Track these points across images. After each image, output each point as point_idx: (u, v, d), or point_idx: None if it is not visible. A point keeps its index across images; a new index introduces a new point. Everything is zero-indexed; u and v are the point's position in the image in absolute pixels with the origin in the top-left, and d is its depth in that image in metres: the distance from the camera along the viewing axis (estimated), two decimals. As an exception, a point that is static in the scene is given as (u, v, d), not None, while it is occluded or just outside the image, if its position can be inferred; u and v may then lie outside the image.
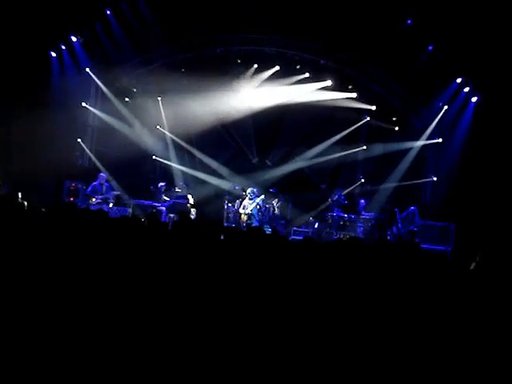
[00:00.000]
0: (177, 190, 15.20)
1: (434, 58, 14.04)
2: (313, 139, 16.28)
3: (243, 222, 13.89)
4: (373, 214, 14.51)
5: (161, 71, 15.47)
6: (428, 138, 15.61)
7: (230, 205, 14.67)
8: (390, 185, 15.50)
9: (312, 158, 16.19)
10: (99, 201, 13.48)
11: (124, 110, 15.77)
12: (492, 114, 13.74)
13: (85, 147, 15.50)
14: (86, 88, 15.40)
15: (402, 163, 15.57)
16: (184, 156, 16.55)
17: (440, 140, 15.50)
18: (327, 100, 15.61)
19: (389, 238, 13.88)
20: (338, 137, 16.19)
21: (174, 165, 16.42)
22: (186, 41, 15.25)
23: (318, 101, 15.53)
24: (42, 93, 13.55)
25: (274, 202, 14.64)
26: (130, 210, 13.62)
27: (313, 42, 14.93)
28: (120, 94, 15.84)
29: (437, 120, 15.29)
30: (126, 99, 15.98)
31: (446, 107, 15.04)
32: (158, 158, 16.30)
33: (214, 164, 16.30)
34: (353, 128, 16.29)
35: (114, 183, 14.56)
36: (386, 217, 14.48)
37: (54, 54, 14.30)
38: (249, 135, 16.36)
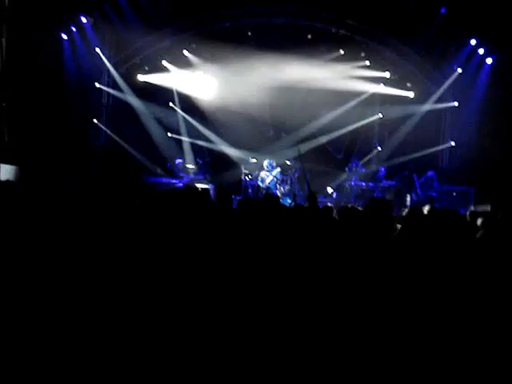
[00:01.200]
0: (191, 166, 15.20)
1: (447, 21, 13.85)
2: (327, 109, 16.11)
3: (262, 195, 13.89)
4: (393, 182, 14.42)
5: (171, 48, 15.52)
6: (443, 102, 15.48)
7: (247, 178, 14.68)
8: (407, 151, 15.36)
9: (327, 129, 16.07)
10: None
11: (136, 88, 15.78)
12: (508, 76, 13.58)
13: (102, 127, 15.56)
14: (98, 68, 15.45)
15: (418, 129, 15.41)
16: (199, 131, 16.45)
17: (456, 103, 15.35)
18: (341, 69, 15.54)
19: (408, 204, 13.83)
20: (351, 104, 16.04)
21: (189, 140, 16.36)
22: (195, 17, 15.17)
23: (332, 72, 15.46)
24: (55, 75, 13.58)
25: (291, 174, 14.61)
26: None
27: (323, 10, 14.76)
28: (132, 72, 15.83)
29: (449, 82, 15.12)
30: (139, 77, 15.93)
31: (459, 70, 14.86)
32: (173, 135, 16.25)
33: (230, 139, 16.23)
34: (367, 95, 16.13)
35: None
36: (404, 184, 14.44)
37: (65, 37, 14.28)
38: (264, 108, 16.21)
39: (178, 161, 14.92)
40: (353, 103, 16.11)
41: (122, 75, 15.67)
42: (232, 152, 16.11)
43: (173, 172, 14.66)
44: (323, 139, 16.19)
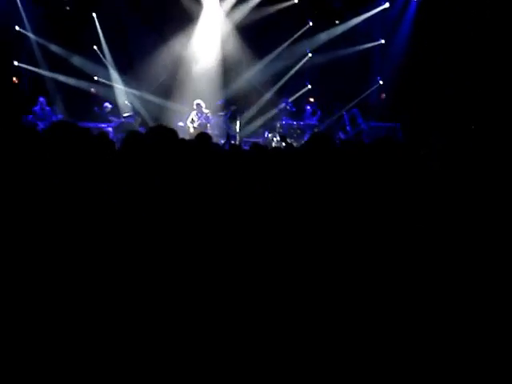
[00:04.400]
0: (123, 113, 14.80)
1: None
2: (256, 52, 15.92)
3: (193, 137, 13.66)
4: (315, 119, 14.53)
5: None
6: (371, 41, 15.52)
7: (179, 124, 14.42)
8: (338, 91, 15.37)
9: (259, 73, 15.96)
10: (42, 127, 13.14)
11: (59, 31, 15.11)
12: (434, 12, 13.71)
13: (26, 67, 14.95)
14: (17, 12, 14.74)
15: (347, 66, 15.44)
16: (127, 76, 15.94)
17: (383, 41, 15.42)
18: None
19: (337, 142, 13.92)
20: (283, 46, 15.94)
21: (117, 85, 15.86)
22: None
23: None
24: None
25: (222, 115, 14.48)
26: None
27: None
28: (53, 14, 15.12)
29: (374, 12, 15.17)
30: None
31: (387, 4, 14.91)
32: (99, 79, 15.71)
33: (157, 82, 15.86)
34: (296, 35, 16.00)
35: (55, 107, 14.23)
36: (333, 122, 14.59)
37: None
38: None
39: (106, 105, 14.48)
40: (285, 45, 15.97)
41: (42, 18, 14.96)
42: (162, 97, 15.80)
43: (100, 116, 14.25)
44: (252, 79, 16.00)
